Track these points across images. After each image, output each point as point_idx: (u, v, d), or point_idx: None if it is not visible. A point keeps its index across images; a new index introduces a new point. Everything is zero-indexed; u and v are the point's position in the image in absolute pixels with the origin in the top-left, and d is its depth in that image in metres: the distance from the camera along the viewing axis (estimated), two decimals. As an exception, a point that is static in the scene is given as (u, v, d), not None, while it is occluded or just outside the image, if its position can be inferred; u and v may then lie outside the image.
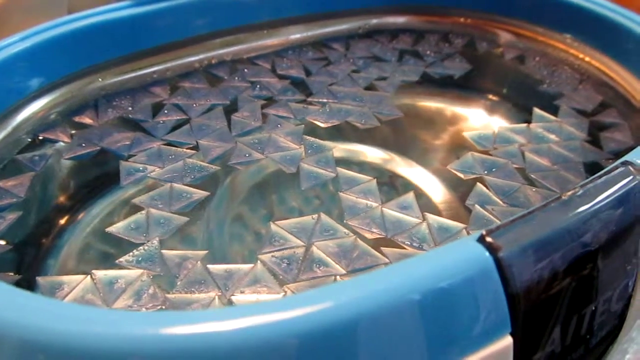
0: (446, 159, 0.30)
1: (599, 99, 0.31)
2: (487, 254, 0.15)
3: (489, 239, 0.16)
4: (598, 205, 0.18)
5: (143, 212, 0.24)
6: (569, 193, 0.18)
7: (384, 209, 0.24)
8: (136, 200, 0.24)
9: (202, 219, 0.25)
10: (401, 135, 0.32)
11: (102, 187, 0.26)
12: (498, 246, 0.16)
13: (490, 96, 0.34)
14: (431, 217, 0.23)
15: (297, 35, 0.35)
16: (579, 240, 0.17)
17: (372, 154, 0.30)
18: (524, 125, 0.29)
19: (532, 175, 0.26)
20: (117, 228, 0.23)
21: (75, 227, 0.25)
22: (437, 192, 0.28)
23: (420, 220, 0.23)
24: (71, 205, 0.26)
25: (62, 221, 0.26)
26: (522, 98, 0.34)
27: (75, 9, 0.30)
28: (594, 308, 0.18)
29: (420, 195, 0.27)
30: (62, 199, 0.26)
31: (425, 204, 0.27)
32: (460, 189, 0.27)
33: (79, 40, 0.29)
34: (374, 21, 0.37)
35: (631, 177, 0.19)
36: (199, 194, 0.25)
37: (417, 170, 0.29)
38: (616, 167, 0.19)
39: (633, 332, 0.25)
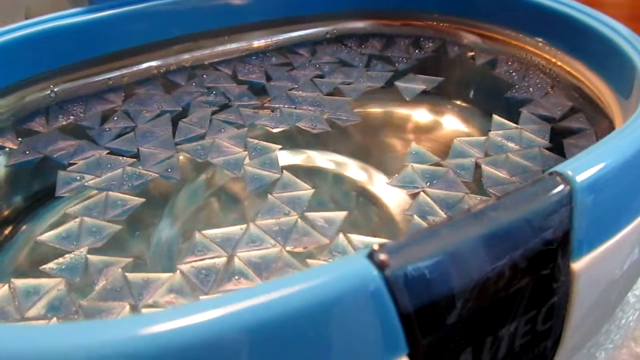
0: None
1: (568, 105, 0.30)
2: (375, 271, 0.15)
3: (379, 255, 0.15)
4: (514, 219, 0.17)
5: (77, 220, 0.23)
6: (481, 206, 0.17)
7: (299, 219, 0.23)
8: (70, 210, 0.24)
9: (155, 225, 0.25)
10: (362, 141, 0.31)
11: (46, 196, 0.26)
12: (387, 263, 0.15)
13: (460, 102, 0.33)
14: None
15: (262, 41, 0.34)
16: (490, 258, 0.16)
17: (329, 160, 0.29)
18: (483, 138, 0.28)
19: (490, 190, 0.25)
20: (47, 237, 0.23)
21: (14, 238, 0.25)
22: (397, 202, 0.27)
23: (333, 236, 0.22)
24: (13, 216, 0.26)
25: (5, 231, 0.25)
26: (492, 104, 0.33)
27: (32, 16, 0.30)
28: (512, 329, 0.17)
29: (379, 205, 0.27)
30: (1, 206, 0.26)
31: (383, 215, 0.26)
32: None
33: (34, 46, 0.29)
34: (343, 26, 0.36)
35: (559, 188, 0.18)
36: (134, 201, 0.24)
37: (377, 179, 0.29)
38: (542, 178, 0.18)
39: (600, 337, 0.24)
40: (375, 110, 0.33)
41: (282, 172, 0.26)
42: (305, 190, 0.24)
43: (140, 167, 0.26)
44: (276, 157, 0.26)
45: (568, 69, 0.31)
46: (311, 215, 0.23)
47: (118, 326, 0.12)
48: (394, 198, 0.27)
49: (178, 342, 0.12)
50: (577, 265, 0.18)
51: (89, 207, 0.24)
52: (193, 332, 0.12)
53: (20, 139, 0.28)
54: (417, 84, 0.33)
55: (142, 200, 0.24)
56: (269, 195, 0.24)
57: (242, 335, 0.12)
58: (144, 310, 0.19)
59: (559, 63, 0.31)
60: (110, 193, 0.24)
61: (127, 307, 0.20)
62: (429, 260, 0.15)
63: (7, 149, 0.27)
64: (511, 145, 0.27)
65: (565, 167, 0.18)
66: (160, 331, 0.12)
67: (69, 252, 0.22)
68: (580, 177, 0.18)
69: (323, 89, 0.32)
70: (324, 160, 0.29)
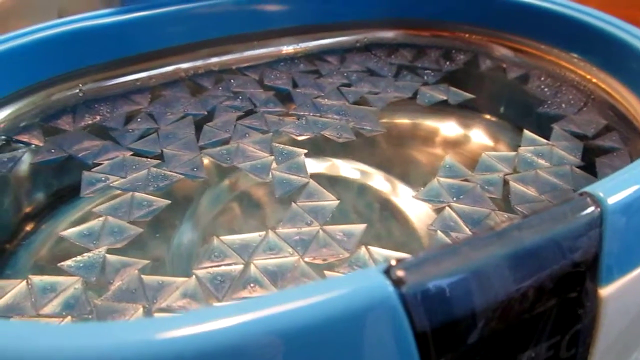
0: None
1: (602, 123, 0.29)
2: (391, 287, 0.14)
3: (395, 271, 0.14)
4: (539, 239, 0.16)
5: (101, 219, 0.23)
6: (505, 225, 0.16)
7: (321, 230, 0.22)
8: (96, 209, 0.24)
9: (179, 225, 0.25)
10: (389, 152, 0.30)
11: (68, 195, 0.26)
12: (404, 280, 0.14)
13: (489, 116, 0.32)
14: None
15: (290, 47, 0.34)
16: (513, 279, 0.16)
17: (354, 169, 0.29)
18: (512, 153, 0.27)
19: (517, 208, 0.24)
20: (69, 233, 0.23)
21: (35, 235, 0.25)
22: (421, 216, 0.26)
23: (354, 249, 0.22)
24: (35, 211, 0.26)
25: (27, 227, 0.25)
26: (523, 119, 0.32)
27: (65, 15, 0.30)
28: (533, 355, 0.17)
29: (403, 218, 0.26)
30: (25, 203, 0.26)
31: (406, 229, 0.25)
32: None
33: (65, 45, 0.29)
34: (373, 35, 0.36)
35: (589, 210, 0.17)
36: (160, 202, 0.24)
37: (402, 191, 0.28)
38: (571, 198, 0.17)
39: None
40: (404, 121, 0.32)
41: (309, 178, 0.26)
42: (330, 201, 0.24)
43: (165, 168, 0.26)
44: (303, 161, 0.26)
45: (603, 86, 0.30)
46: (329, 227, 0.23)
47: (138, 329, 0.12)
48: (418, 212, 0.26)
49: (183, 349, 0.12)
50: (605, 291, 0.17)
51: (114, 206, 0.24)
52: (189, 342, 0.11)
53: (46, 137, 0.28)
54: (439, 94, 0.32)
55: (168, 202, 0.24)
56: (293, 204, 0.24)
57: (241, 350, 0.12)
58: (156, 314, 0.19)
59: (593, 80, 0.30)
60: (136, 194, 0.24)
61: (141, 310, 0.19)
62: (448, 278, 0.15)
63: (33, 146, 0.27)
64: (541, 161, 0.26)
65: (596, 188, 0.17)
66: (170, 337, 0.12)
67: (88, 251, 0.22)
68: (611, 199, 0.17)
69: (349, 97, 0.31)
70: (349, 169, 0.29)
